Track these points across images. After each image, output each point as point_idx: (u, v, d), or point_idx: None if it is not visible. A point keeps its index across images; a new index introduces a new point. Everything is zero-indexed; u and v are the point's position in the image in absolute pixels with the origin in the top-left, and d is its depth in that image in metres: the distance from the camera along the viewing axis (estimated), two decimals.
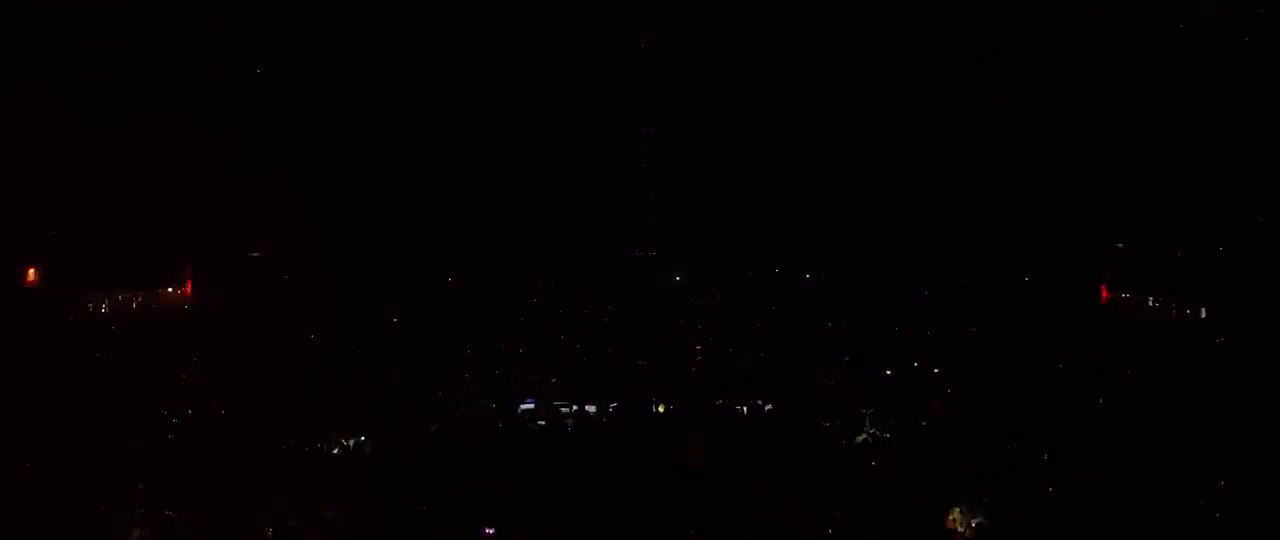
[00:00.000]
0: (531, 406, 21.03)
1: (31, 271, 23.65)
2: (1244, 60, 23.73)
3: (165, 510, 17.46)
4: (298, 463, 18.02)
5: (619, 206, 28.08)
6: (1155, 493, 16.19)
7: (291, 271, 25.61)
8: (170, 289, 25.37)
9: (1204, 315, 23.43)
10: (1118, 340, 22.90)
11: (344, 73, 27.28)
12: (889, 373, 22.09)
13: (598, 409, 21.11)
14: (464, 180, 27.91)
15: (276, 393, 20.32)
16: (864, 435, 19.55)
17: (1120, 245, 25.60)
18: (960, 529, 15.62)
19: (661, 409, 21.12)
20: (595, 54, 27.72)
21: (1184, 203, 24.16)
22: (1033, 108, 26.42)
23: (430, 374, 22.43)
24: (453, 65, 28.02)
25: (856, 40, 27.97)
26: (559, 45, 27.82)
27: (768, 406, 21.09)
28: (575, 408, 21.13)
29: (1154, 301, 24.75)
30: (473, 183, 27.89)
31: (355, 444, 20.24)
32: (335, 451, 20.06)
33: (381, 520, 17.54)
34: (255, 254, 25.82)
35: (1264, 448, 17.08)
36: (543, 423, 20.86)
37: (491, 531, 16.59)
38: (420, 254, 27.74)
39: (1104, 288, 25.48)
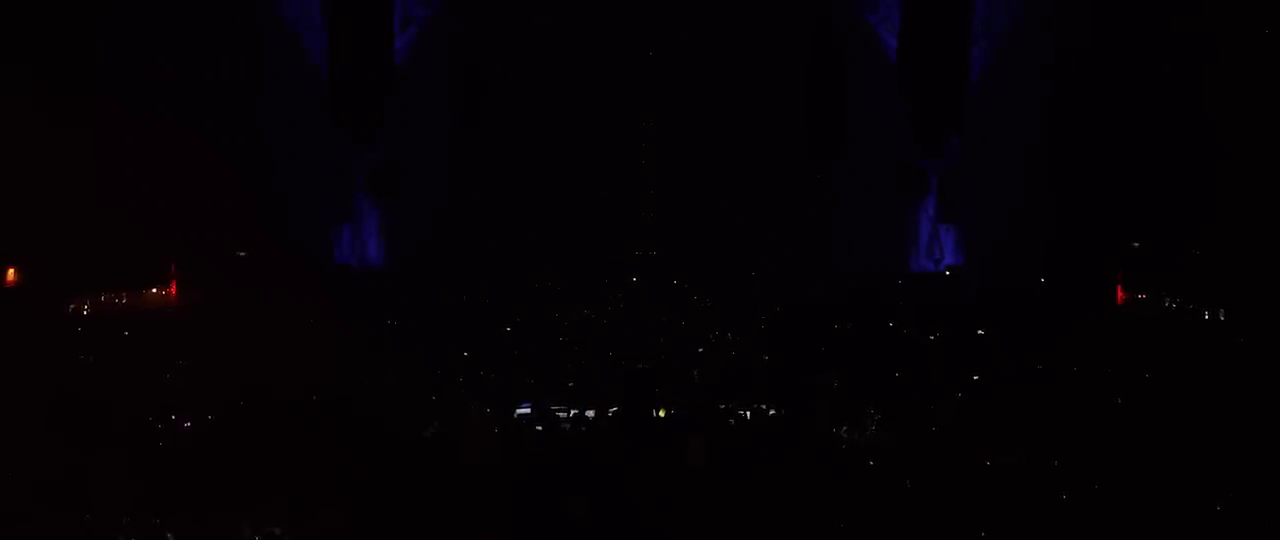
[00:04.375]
0: (528, 411, 20.60)
1: (11, 272, 23.38)
2: (1261, 53, 23.47)
3: (153, 518, 16.92)
4: (289, 466, 17.50)
5: (619, 206, 27.94)
6: (1172, 500, 15.68)
7: (282, 273, 25.44)
8: (155, 290, 25.14)
9: (1223, 317, 23.12)
10: (1133, 343, 22.59)
11: (336, 71, 27.23)
12: (897, 375, 21.74)
13: (597, 413, 20.70)
14: (461, 179, 27.80)
15: (266, 395, 19.91)
16: (868, 439, 19.11)
17: (1136, 244, 25.35)
18: (968, 536, 15.15)
19: (663, 413, 20.69)
20: (595, 50, 27.59)
21: (1202, 200, 23.90)
22: (1039, 105, 26.31)
23: (426, 376, 22.12)
24: (447, 62, 27.98)
25: (857, 38, 27.91)
26: (558, 42, 27.74)
27: (771, 411, 20.68)
28: (574, 412, 20.71)
29: (1171, 303, 24.44)
30: (469, 181, 27.78)
31: (348, 448, 19.85)
32: (327, 456, 19.69)
33: (376, 525, 17.03)
34: (242, 254, 25.63)
35: None
36: (540, 427, 20.42)
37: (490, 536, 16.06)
38: (416, 254, 27.59)
39: (1119, 288, 25.21)
